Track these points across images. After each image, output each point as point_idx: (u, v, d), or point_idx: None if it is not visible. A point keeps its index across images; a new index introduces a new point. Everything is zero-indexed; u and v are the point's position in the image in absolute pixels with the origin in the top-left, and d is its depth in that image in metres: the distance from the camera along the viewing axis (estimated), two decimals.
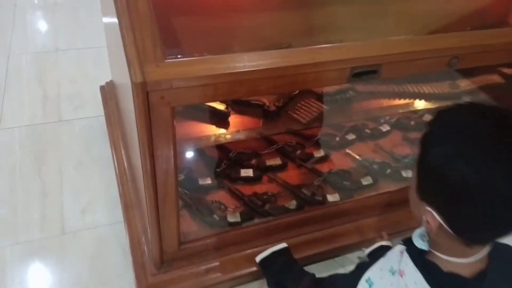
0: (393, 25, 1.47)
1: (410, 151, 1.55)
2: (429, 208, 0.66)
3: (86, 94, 1.91)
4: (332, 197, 1.32)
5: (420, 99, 1.57)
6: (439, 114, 0.69)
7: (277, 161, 1.42)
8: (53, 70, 2.05)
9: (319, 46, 0.92)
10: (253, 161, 1.41)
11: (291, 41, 1.39)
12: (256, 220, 1.24)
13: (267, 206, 1.26)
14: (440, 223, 0.65)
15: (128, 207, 1.32)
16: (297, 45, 1.39)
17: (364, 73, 0.94)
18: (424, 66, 1.01)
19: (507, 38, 1.07)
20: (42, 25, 2.36)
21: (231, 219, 1.21)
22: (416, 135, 1.62)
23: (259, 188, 1.34)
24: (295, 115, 1.32)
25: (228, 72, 0.80)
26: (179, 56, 1.21)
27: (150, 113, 0.78)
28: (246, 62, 0.83)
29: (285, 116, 1.33)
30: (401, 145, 1.58)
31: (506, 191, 0.58)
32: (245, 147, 1.44)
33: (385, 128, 1.60)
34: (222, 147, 1.40)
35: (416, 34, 1.48)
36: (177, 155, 0.90)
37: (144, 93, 0.75)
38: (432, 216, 0.66)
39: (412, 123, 1.62)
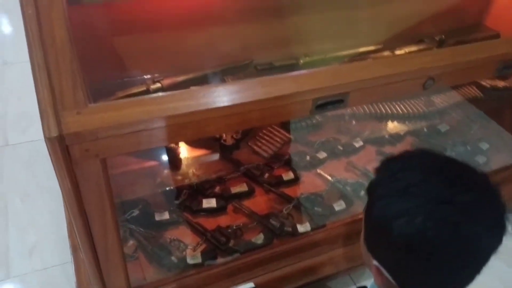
0: (361, 31, 1.37)
1: None
2: (375, 262, 0.63)
3: (36, 113, 1.74)
4: (302, 227, 1.21)
5: (393, 121, 1.48)
6: (386, 164, 0.65)
7: (243, 188, 1.30)
8: None
9: (276, 76, 0.80)
10: (217, 189, 1.29)
11: (253, 56, 1.27)
12: (219, 259, 1.12)
13: (231, 243, 1.14)
14: (387, 278, 0.62)
15: (76, 248, 1.18)
16: (260, 61, 1.29)
17: (329, 103, 0.82)
18: (397, 90, 0.91)
19: (486, 53, 0.98)
20: None
21: (191, 260, 1.09)
22: (392, 149, 1.53)
23: (223, 220, 1.22)
24: (256, 148, 1.20)
25: (167, 115, 0.68)
26: (123, 79, 1.09)
27: (74, 168, 0.65)
28: (189, 100, 0.71)
29: (245, 149, 1.21)
30: (376, 161, 1.49)
31: (452, 252, 0.56)
32: (208, 172, 1.32)
33: (358, 143, 1.50)
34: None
35: (385, 39, 1.40)
36: (115, 207, 0.77)
37: (63, 147, 0.62)
38: (379, 271, 0.63)
39: (387, 136, 1.53)
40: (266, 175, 1.34)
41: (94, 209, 0.73)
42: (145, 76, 1.13)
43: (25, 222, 1.40)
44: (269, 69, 1.23)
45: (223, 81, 1.14)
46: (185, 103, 0.70)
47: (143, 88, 1.06)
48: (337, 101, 0.83)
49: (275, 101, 0.75)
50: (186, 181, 1.24)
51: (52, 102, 0.62)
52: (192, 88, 0.76)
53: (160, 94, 0.72)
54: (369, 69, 0.86)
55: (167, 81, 1.10)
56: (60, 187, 0.67)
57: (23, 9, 0.68)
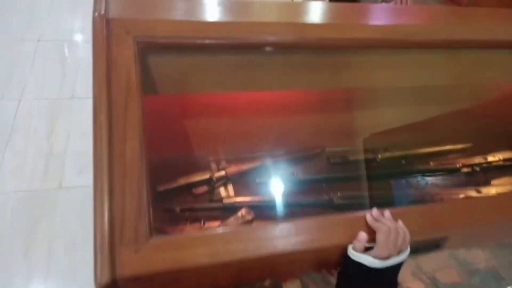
0: (442, 127, 1.22)
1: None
2: None
3: None
4: None
5: None
6: None
7: None
8: (64, 120, 1.89)
9: (358, 214, 0.68)
10: None
11: (325, 144, 1.17)
12: None
13: None
14: None
15: None
16: (332, 149, 1.18)
17: (422, 249, 0.70)
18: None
19: None
20: (63, 66, 2.22)
21: None
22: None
23: None
24: None
25: (233, 259, 0.58)
26: (192, 160, 1.01)
27: None
28: (258, 240, 0.61)
29: None
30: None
31: None
32: None
33: None
34: None
35: (473, 136, 1.24)
36: None
37: None
38: None
39: None
40: None
41: None
42: (217, 158, 1.06)
43: (65, 273, 1.35)
44: (343, 163, 1.12)
45: (293, 174, 1.04)
46: (255, 244, 0.60)
47: (207, 175, 0.98)
48: (432, 246, 0.70)
49: None
50: None
51: (109, 237, 0.54)
52: (260, 225, 0.66)
53: (226, 229, 0.63)
54: (473, 211, 0.72)
55: (232, 169, 1.01)
56: None
57: (95, 114, 0.62)
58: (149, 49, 0.75)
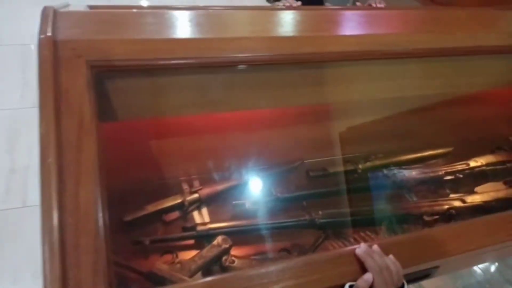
0: (424, 133, 1.19)
1: None
2: None
3: None
4: None
5: None
6: None
7: None
8: (26, 132, 1.78)
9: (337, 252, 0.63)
10: None
11: (304, 156, 1.11)
12: None
13: None
14: None
15: None
16: (312, 162, 1.13)
17: (413, 280, 0.65)
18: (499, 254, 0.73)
19: None
20: (24, 73, 2.08)
21: None
22: None
23: None
24: None
25: None
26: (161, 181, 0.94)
27: None
28: None
29: None
30: None
31: None
32: None
33: None
34: None
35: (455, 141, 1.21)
36: None
37: None
38: None
39: None
40: None
41: None
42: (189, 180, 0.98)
43: None
44: (323, 176, 1.06)
45: (271, 193, 0.98)
46: None
47: (178, 200, 0.91)
48: (422, 277, 0.66)
49: None
50: None
51: None
52: (239, 274, 0.59)
53: (199, 281, 0.56)
54: (464, 238, 0.68)
55: (205, 191, 0.95)
56: None
57: (42, 157, 0.54)
58: (105, 73, 0.67)
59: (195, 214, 0.93)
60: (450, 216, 0.98)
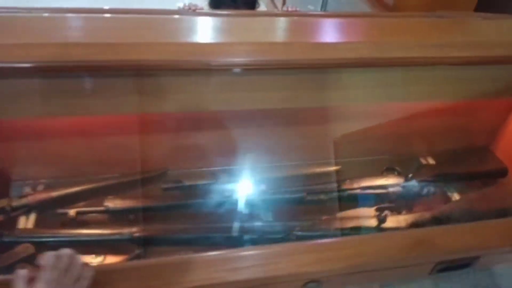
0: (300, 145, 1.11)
1: None
2: None
3: None
4: None
5: None
6: None
7: None
8: None
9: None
10: None
11: (168, 166, 1.07)
12: None
13: None
14: None
15: None
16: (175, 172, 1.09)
17: None
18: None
19: None
20: None
21: None
22: None
23: None
24: None
25: None
26: None
27: None
28: None
29: None
30: None
31: None
32: None
33: None
34: None
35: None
36: None
37: None
38: None
39: None
40: None
41: None
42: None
43: None
44: (177, 188, 1.03)
45: (106, 207, 0.96)
46: None
47: (3, 203, 0.92)
48: None
49: None
50: None
51: None
52: None
53: None
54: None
55: (37, 196, 0.94)
56: None
57: None
58: None
59: (22, 219, 0.93)
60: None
